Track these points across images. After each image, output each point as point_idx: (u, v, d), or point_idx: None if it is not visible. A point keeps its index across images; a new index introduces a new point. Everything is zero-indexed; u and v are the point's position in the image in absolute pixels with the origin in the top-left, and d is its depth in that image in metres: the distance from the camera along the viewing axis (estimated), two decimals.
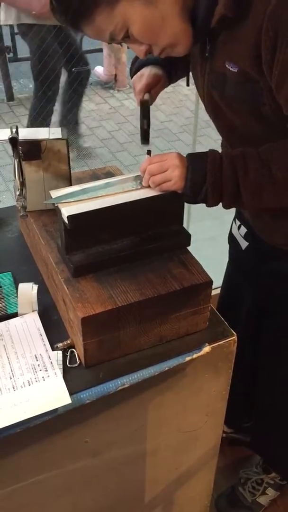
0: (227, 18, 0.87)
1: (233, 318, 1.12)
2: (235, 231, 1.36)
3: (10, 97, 4.22)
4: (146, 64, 1.15)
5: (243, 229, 1.30)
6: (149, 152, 1.02)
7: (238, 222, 1.34)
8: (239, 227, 1.33)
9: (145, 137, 1.11)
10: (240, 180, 0.92)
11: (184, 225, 1.10)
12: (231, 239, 1.40)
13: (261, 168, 0.91)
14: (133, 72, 1.17)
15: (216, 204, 0.96)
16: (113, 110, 4.28)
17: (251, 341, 1.41)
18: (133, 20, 0.86)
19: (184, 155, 0.97)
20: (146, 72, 1.13)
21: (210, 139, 3.78)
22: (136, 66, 1.16)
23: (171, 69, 1.16)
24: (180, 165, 0.94)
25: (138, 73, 1.14)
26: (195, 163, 0.94)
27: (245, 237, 1.31)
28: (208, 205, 0.96)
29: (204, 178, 0.93)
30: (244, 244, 1.31)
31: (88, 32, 0.91)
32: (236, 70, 0.91)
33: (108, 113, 4.16)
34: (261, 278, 1.30)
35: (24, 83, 4.23)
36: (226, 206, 0.97)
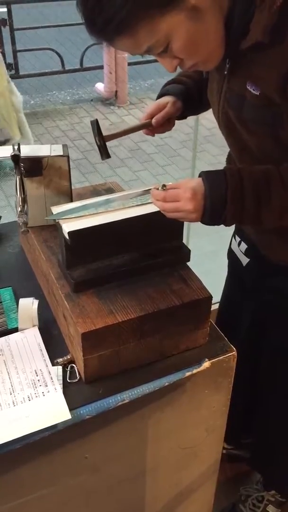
0: (260, 44, 0.85)
1: (232, 333, 1.12)
2: (234, 247, 1.35)
3: None
4: (167, 94, 1.20)
5: (244, 245, 1.30)
6: (164, 186, 0.95)
7: (238, 238, 1.33)
8: (239, 243, 1.32)
9: (100, 153, 1.12)
10: (263, 207, 0.90)
11: (184, 239, 1.11)
12: (231, 254, 1.40)
13: (284, 192, 0.89)
14: (157, 97, 1.23)
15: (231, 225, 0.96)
16: (114, 126, 4.32)
17: (250, 357, 1.40)
18: (178, 35, 0.83)
19: (194, 180, 0.92)
20: (158, 101, 1.19)
21: (209, 155, 3.81)
22: (158, 94, 1.22)
23: (188, 100, 1.19)
24: (194, 200, 0.90)
25: (155, 102, 1.20)
26: (214, 195, 0.90)
27: (246, 253, 1.29)
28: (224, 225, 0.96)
29: (224, 207, 0.90)
30: (245, 260, 1.30)
31: (123, 45, 0.86)
32: (258, 93, 0.90)
33: (108, 129, 4.20)
34: (261, 294, 1.30)
35: (25, 100, 4.28)
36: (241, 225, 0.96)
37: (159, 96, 1.22)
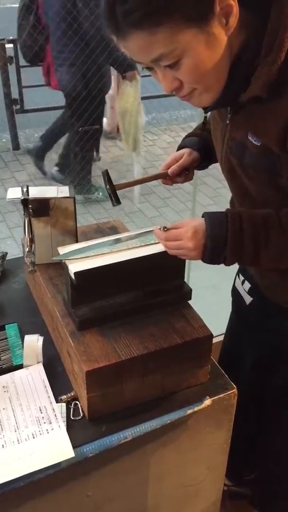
0: (259, 97, 0.89)
1: (236, 371, 1.12)
2: (238, 286, 1.36)
3: (16, 146, 4.37)
4: (184, 146, 1.26)
5: (247, 284, 1.30)
6: (164, 228, 0.99)
7: (241, 277, 1.33)
8: (243, 282, 1.33)
9: (111, 199, 1.18)
10: (261, 250, 0.94)
11: (185, 272, 1.14)
12: (234, 293, 1.40)
13: (282, 238, 0.93)
14: (177, 149, 1.29)
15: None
16: (116, 159, 4.41)
17: (254, 395, 1.39)
18: (191, 54, 0.84)
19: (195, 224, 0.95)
20: (175, 153, 1.25)
21: (210, 188, 3.88)
22: (177, 148, 1.29)
23: (205, 151, 1.24)
24: (194, 239, 0.94)
25: (173, 154, 1.26)
26: (215, 235, 0.94)
27: (249, 292, 1.30)
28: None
29: (224, 248, 0.94)
30: (248, 299, 1.31)
31: (136, 43, 0.84)
32: (258, 144, 0.93)
33: (110, 162, 4.29)
34: (265, 334, 1.29)
35: (29, 133, 4.38)
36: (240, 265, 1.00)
37: (178, 149, 1.28)
